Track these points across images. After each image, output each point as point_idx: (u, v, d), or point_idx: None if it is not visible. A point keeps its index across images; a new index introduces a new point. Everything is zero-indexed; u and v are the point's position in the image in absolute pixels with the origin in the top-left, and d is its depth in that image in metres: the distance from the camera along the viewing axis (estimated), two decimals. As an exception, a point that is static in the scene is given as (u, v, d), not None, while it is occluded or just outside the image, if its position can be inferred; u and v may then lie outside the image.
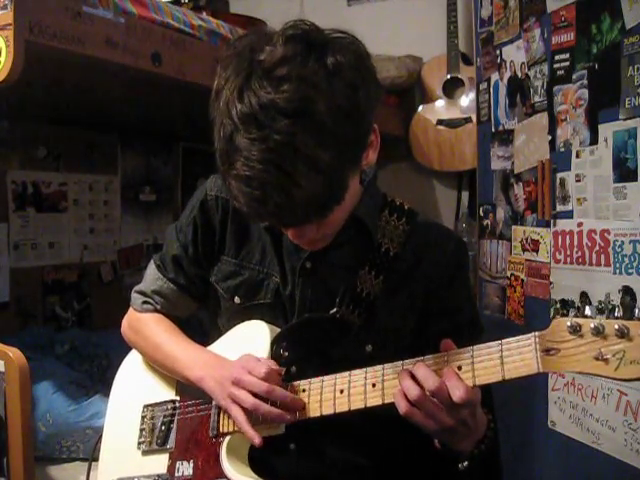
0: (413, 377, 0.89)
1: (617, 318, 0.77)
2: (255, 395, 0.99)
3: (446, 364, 0.89)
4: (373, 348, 1.06)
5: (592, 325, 0.78)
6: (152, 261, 1.26)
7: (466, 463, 0.95)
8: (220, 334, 1.18)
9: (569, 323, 0.80)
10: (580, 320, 0.80)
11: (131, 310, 1.27)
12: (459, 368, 0.88)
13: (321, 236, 1.01)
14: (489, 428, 0.97)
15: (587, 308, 0.80)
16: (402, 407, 0.89)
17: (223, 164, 0.89)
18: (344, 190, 0.91)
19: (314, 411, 1.00)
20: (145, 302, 1.24)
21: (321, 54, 0.87)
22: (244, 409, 1.00)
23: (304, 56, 0.86)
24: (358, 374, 0.98)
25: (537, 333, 0.84)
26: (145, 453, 1.16)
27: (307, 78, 0.84)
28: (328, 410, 0.99)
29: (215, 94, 0.90)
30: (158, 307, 1.23)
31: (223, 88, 0.89)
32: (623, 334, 0.76)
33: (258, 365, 1.01)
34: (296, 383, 1.03)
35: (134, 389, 1.25)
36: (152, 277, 1.24)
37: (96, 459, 1.25)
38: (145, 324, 1.22)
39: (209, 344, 1.18)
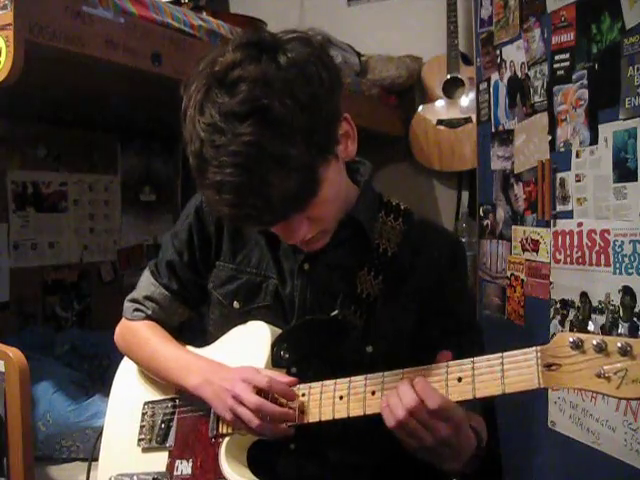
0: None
1: (620, 335, 0.77)
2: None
3: (446, 375, 0.89)
4: (374, 349, 1.06)
5: (594, 342, 0.77)
6: (147, 268, 1.25)
7: None
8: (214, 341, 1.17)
9: (571, 339, 0.79)
10: (583, 336, 0.78)
11: (123, 320, 1.26)
12: (459, 380, 0.88)
13: (316, 235, 1.01)
14: (479, 447, 0.95)
15: (590, 324, 0.80)
16: (390, 421, 0.89)
17: (197, 178, 0.90)
18: (317, 182, 0.91)
19: (313, 416, 1.00)
20: (136, 310, 1.23)
21: (273, 54, 0.88)
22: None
23: (255, 58, 0.87)
24: (358, 380, 0.97)
25: (539, 347, 0.83)
26: (145, 450, 1.16)
27: (258, 78, 0.85)
28: (327, 416, 0.99)
29: (183, 116, 0.92)
30: (149, 313, 1.22)
31: (188, 108, 0.90)
32: (626, 352, 0.75)
33: (258, 377, 1.01)
34: (296, 387, 1.02)
35: (135, 386, 1.25)
36: (145, 283, 1.24)
37: (96, 459, 1.25)
38: (136, 333, 1.22)
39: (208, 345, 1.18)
